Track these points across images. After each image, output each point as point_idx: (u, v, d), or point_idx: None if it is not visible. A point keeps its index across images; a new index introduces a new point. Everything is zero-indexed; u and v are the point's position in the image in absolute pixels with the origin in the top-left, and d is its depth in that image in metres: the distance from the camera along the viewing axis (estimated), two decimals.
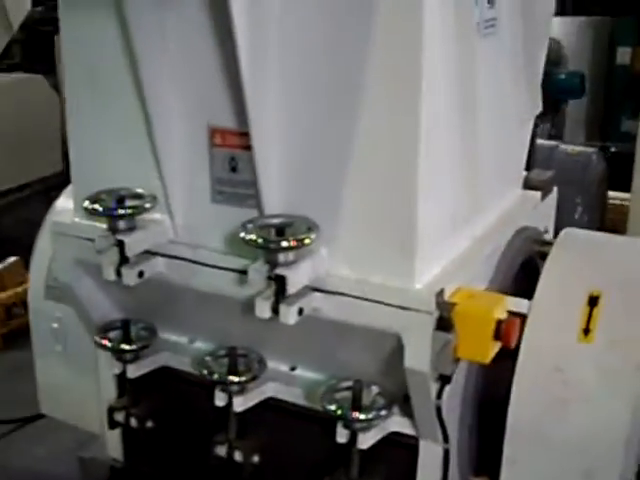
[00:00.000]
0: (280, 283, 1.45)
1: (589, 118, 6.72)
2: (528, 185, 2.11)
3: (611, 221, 3.78)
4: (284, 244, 1.44)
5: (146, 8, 1.56)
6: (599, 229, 3.09)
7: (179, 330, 1.93)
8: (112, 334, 1.91)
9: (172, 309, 1.89)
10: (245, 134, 1.54)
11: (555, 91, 3.73)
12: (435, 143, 1.49)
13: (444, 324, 1.49)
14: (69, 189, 2.30)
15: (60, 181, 6.05)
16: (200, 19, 1.54)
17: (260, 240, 1.46)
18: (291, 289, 1.45)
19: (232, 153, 1.60)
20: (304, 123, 1.51)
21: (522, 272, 1.91)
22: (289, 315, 1.47)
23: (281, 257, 1.45)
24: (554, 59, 4.35)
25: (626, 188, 3.99)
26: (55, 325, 2.24)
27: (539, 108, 2.02)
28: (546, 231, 2.17)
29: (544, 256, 1.95)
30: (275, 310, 1.48)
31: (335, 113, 1.48)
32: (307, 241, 1.46)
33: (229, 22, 1.42)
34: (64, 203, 2.24)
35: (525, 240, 1.92)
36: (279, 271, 1.45)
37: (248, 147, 1.55)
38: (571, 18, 6.45)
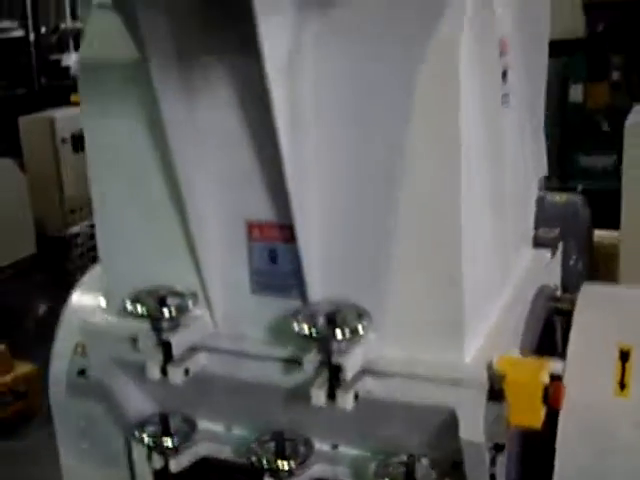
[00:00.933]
0: (336, 371, 1.48)
1: (547, 156, 6.86)
2: (537, 243, 2.18)
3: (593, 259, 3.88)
4: (339, 336, 1.48)
5: (179, 102, 1.59)
6: (590, 271, 3.16)
7: (216, 418, 1.94)
8: (151, 429, 1.92)
9: (209, 398, 1.90)
10: (284, 226, 1.59)
11: None
12: (474, 216, 1.55)
13: (496, 395, 1.53)
14: (84, 282, 2.32)
15: (33, 264, 6.09)
16: (235, 114, 1.59)
17: (315, 332, 1.49)
18: (347, 376, 1.49)
19: (271, 245, 1.63)
20: (346, 207, 1.56)
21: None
22: (347, 401, 1.50)
23: (335, 345, 1.49)
24: None
25: (599, 225, 4.11)
26: (82, 423, 2.24)
27: (545, 170, 2.10)
28: (556, 287, 2.23)
29: (560, 312, 2.02)
30: (331, 397, 1.51)
31: (376, 196, 1.53)
32: (360, 329, 1.49)
33: (270, 116, 1.46)
34: (81, 298, 2.26)
35: (546, 299, 1.98)
36: (334, 360, 1.48)
37: (287, 239, 1.59)
38: None
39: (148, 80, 1.58)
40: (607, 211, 4.25)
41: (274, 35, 1.42)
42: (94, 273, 2.37)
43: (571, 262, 2.98)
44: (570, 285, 2.71)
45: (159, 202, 1.71)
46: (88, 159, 1.79)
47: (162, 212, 1.71)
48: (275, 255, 1.63)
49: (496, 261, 1.75)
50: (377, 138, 1.50)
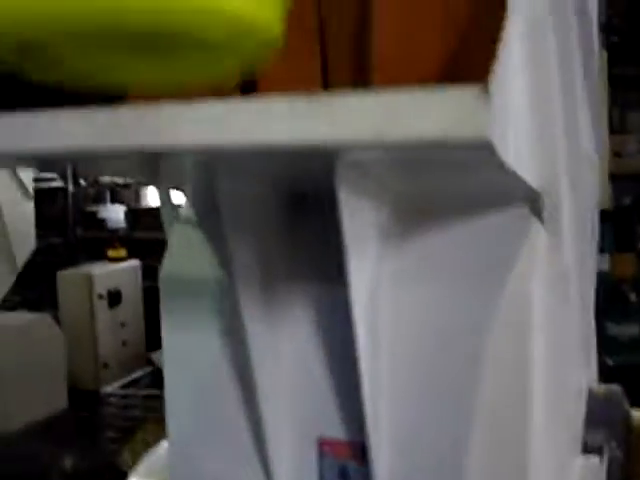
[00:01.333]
0: None
1: None
2: (586, 449, 2.23)
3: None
4: None
5: (260, 321, 1.69)
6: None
7: None
8: None
9: None
10: (356, 444, 1.66)
11: None
12: (540, 427, 1.58)
13: None
14: (141, 469, 2.38)
15: (64, 419, 6.12)
16: (314, 337, 1.69)
17: None
18: None
19: (342, 463, 1.70)
20: (417, 427, 1.62)
21: None
22: None
23: None
24: None
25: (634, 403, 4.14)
26: None
27: (595, 379, 2.18)
28: None
29: None
30: None
31: (447, 415, 1.58)
32: None
33: (349, 343, 1.53)
34: None
35: None
36: None
37: (358, 457, 1.66)
38: None
39: (229, 297, 1.69)
40: (636, 386, 4.30)
41: (361, 268, 1.51)
42: (152, 461, 2.44)
43: (611, 452, 3.02)
44: (611, 476, 2.75)
45: (232, 413, 1.79)
46: (165, 370, 1.89)
47: (235, 421, 1.79)
48: (346, 472, 1.70)
49: (555, 473, 1.80)
50: (448, 371, 1.58)
